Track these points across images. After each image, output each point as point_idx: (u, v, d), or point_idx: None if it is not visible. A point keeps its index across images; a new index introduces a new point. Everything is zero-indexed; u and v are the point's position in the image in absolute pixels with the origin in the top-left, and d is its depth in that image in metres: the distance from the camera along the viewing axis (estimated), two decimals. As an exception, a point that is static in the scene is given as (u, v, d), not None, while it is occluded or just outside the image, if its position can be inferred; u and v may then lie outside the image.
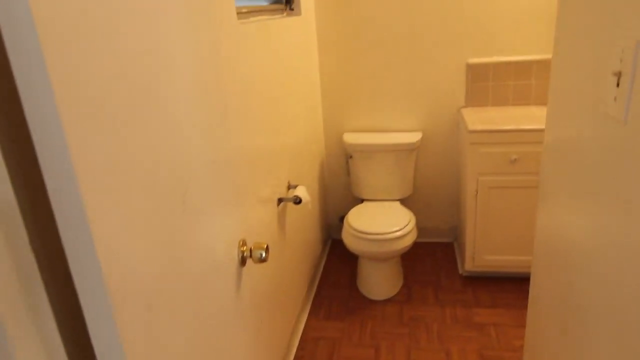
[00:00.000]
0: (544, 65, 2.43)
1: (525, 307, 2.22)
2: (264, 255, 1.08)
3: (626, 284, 0.72)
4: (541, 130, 2.12)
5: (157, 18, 0.80)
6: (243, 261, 1.11)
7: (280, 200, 1.86)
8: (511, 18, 2.40)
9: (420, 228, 2.89)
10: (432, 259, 2.72)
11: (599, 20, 0.81)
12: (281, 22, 1.94)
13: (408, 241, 2.26)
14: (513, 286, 2.39)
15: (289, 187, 2.01)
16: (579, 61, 0.91)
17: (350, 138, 2.63)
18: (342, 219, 2.96)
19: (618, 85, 0.71)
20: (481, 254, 2.38)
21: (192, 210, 0.87)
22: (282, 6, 2.17)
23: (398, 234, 2.22)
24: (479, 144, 2.20)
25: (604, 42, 0.78)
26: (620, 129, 0.72)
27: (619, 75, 0.71)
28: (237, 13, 1.39)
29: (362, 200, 2.72)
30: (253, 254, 1.09)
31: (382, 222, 2.32)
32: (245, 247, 1.11)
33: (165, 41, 0.83)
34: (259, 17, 1.82)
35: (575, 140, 0.93)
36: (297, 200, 1.87)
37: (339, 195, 2.96)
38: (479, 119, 2.33)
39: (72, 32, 0.53)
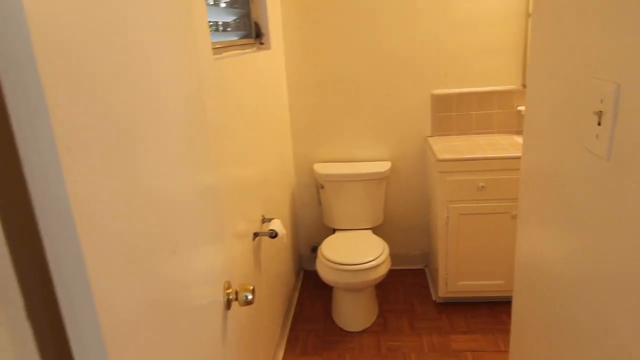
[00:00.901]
0: (504, 95, 2.55)
1: (500, 331, 2.26)
2: (250, 297, 1.04)
3: (609, 310, 0.75)
4: (506, 158, 2.22)
5: (150, 63, 0.78)
6: (228, 304, 1.07)
7: (255, 235, 1.82)
8: (473, 51, 2.51)
9: (392, 255, 2.90)
10: (404, 287, 2.73)
11: (574, 55, 0.85)
12: (253, 57, 1.95)
13: (383, 270, 2.27)
14: (487, 310, 2.42)
15: (264, 221, 1.98)
16: (555, 94, 0.95)
17: (321, 168, 2.64)
18: (314, 249, 2.95)
19: (599, 124, 0.75)
20: (454, 280, 2.41)
21: (181, 258, 0.84)
22: (252, 40, 2.18)
23: (373, 263, 2.22)
24: (448, 173, 2.26)
25: (580, 78, 0.83)
26: (603, 164, 0.76)
27: (599, 114, 0.75)
28: (212, 48, 1.38)
29: (334, 230, 2.71)
30: (239, 296, 1.06)
31: (356, 252, 2.31)
32: (230, 290, 1.08)
33: (157, 86, 0.82)
34: (232, 52, 1.82)
35: (554, 170, 0.97)
36: (273, 234, 1.85)
37: (310, 225, 2.94)
38: (445, 147, 2.40)
39: (69, 78, 0.51)
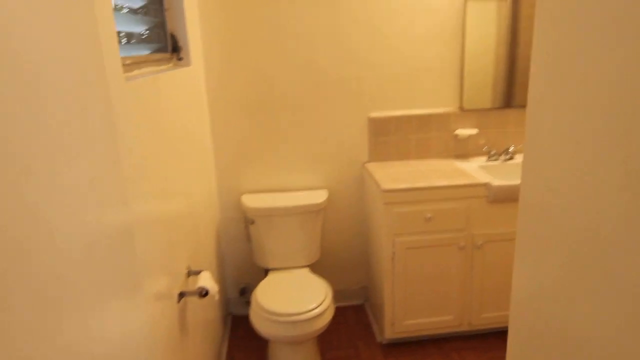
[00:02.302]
0: (442, 118, 2.44)
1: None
2: None
3: None
4: (454, 187, 2.09)
5: (38, 81, 0.45)
6: None
7: (181, 295, 1.47)
8: (410, 73, 2.38)
9: (330, 292, 2.66)
10: (346, 327, 2.49)
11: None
12: (171, 75, 1.61)
13: (327, 318, 2.00)
14: (435, 349, 2.26)
15: (190, 274, 1.63)
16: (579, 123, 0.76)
17: (250, 201, 2.33)
18: (242, 291, 2.61)
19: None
20: (401, 319, 2.22)
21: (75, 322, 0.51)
22: (168, 55, 1.83)
23: (316, 311, 1.95)
24: (394, 204, 2.07)
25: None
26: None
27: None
28: (122, 65, 1.04)
29: (266, 270, 2.40)
30: None
31: (296, 299, 2.03)
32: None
33: (47, 108, 0.49)
34: (146, 70, 1.47)
35: (587, 218, 0.77)
36: (203, 293, 1.50)
37: (238, 264, 2.60)
38: (387, 175, 2.22)
39: None
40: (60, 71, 0.64)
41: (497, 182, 2.06)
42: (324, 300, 2.01)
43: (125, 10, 1.58)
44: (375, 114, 2.41)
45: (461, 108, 2.44)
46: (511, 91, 2.44)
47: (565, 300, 0.81)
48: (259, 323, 1.98)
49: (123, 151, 0.93)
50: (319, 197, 2.36)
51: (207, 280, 1.55)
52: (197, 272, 1.63)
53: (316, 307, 1.96)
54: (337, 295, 2.68)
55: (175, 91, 1.66)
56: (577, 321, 0.78)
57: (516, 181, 2.07)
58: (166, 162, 1.42)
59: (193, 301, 1.66)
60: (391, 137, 2.45)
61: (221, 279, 2.47)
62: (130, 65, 1.31)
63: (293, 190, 2.48)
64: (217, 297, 1.60)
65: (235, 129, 2.37)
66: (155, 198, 1.24)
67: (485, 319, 2.26)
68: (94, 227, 0.73)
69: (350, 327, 2.48)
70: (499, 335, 2.33)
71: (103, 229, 0.77)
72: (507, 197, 2.08)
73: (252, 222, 2.33)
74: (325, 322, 1.98)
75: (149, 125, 1.26)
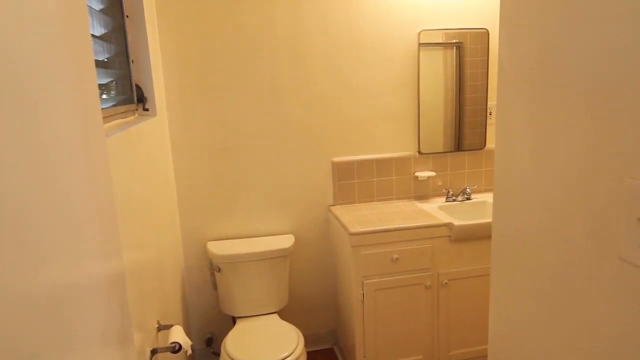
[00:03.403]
0: (402, 162, 2.55)
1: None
2: None
3: None
4: (419, 227, 2.16)
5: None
6: None
7: (153, 353, 1.42)
8: (370, 120, 2.48)
9: (298, 338, 2.63)
10: (316, 373, 2.45)
11: (588, 148, 0.75)
12: (140, 128, 1.61)
13: (300, 365, 1.98)
14: (407, 391, 2.26)
15: (160, 329, 1.58)
16: (555, 183, 0.84)
17: (216, 248, 2.30)
18: (209, 341, 2.53)
19: (648, 233, 0.64)
20: (372, 361, 2.22)
21: None
22: (133, 106, 1.83)
23: (290, 358, 1.92)
24: (361, 246, 2.11)
25: (601, 177, 0.72)
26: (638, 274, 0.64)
27: (647, 222, 0.63)
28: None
29: (233, 318, 2.35)
30: None
31: (268, 348, 1.99)
32: None
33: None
34: (114, 123, 1.47)
35: (556, 264, 0.84)
36: (177, 348, 1.46)
37: (203, 312, 2.53)
38: (353, 218, 2.27)
39: None
40: (66, 126, 0.65)
41: (458, 222, 2.16)
42: (296, 348, 1.99)
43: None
44: (339, 159, 2.49)
45: (419, 151, 2.56)
46: (461, 135, 2.59)
47: (539, 335, 0.87)
48: (230, 375, 1.93)
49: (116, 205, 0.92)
50: (286, 241, 2.37)
51: (179, 334, 1.51)
52: (168, 327, 1.59)
53: (289, 356, 1.93)
54: (306, 339, 2.64)
55: (144, 142, 1.66)
56: (552, 354, 0.83)
57: (476, 220, 2.18)
58: (137, 213, 1.40)
59: (164, 357, 1.61)
60: (355, 180, 2.52)
61: (187, 329, 2.39)
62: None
63: (259, 236, 2.47)
64: (190, 351, 1.55)
65: (199, 176, 2.37)
66: (127, 250, 1.22)
67: (454, 356, 2.31)
68: (99, 276, 0.72)
69: (320, 373, 2.45)
70: (467, 372, 2.38)
71: (106, 278, 0.76)
72: (468, 235, 2.18)
73: (219, 270, 2.30)
74: (298, 370, 1.95)
75: (122, 179, 1.26)
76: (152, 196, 1.72)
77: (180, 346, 1.46)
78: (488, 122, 2.61)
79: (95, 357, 0.73)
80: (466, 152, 2.62)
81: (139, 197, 1.47)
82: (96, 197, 0.77)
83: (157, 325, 1.57)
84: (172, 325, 1.58)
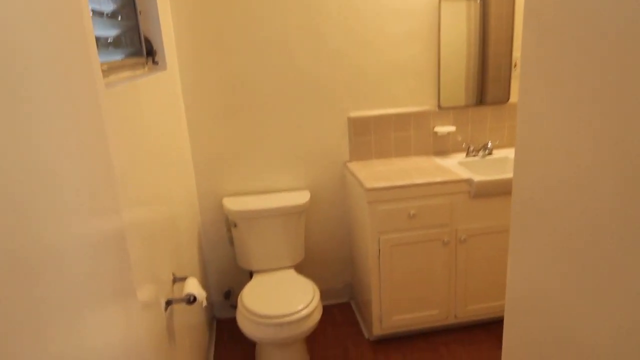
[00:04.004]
0: (421, 117, 2.47)
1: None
2: None
3: None
4: (437, 183, 2.11)
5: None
6: None
7: (168, 303, 1.44)
8: (388, 73, 2.39)
9: (315, 292, 2.66)
10: (333, 326, 2.49)
11: None
12: (148, 81, 1.57)
13: (316, 318, 2.00)
14: (423, 343, 2.28)
15: (175, 281, 1.60)
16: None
17: (232, 204, 2.30)
18: (227, 294, 2.58)
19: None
20: (388, 315, 2.23)
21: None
22: (142, 60, 1.79)
23: (305, 312, 1.94)
24: (378, 202, 2.08)
25: None
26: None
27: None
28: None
29: (250, 273, 2.38)
30: None
31: (284, 301, 2.02)
32: None
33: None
34: (121, 75, 1.44)
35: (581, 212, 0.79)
36: (191, 300, 1.48)
37: (220, 268, 2.57)
38: (370, 174, 2.23)
39: None
40: (48, 77, 0.62)
41: (478, 177, 2.10)
42: (311, 301, 2.00)
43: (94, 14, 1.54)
44: (355, 114, 2.42)
45: (439, 106, 2.47)
46: (484, 89, 2.48)
47: (561, 297, 0.83)
48: (246, 326, 1.97)
49: (114, 159, 0.91)
50: (302, 197, 2.36)
51: (194, 286, 1.53)
52: (183, 279, 1.61)
53: (304, 308, 1.95)
54: (323, 294, 2.68)
55: (154, 96, 1.63)
56: (573, 318, 0.79)
57: (497, 176, 2.11)
58: (147, 168, 1.39)
59: (180, 308, 1.64)
60: (371, 136, 2.46)
61: (204, 283, 2.44)
62: (106, 71, 1.28)
63: (275, 192, 2.46)
64: (204, 303, 1.58)
65: (213, 132, 2.35)
66: (138, 204, 1.22)
67: (470, 311, 2.30)
68: (88, 233, 0.70)
69: (337, 326, 2.49)
70: (484, 327, 2.38)
71: (97, 235, 0.75)
72: (488, 191, 2.12)
73: (235, 225, 2.31)
74: (314, 322, 1.98)
75: (129, 132, 1.24)
76: (164, 150, 1.71)
77: (195, 297, 1.48)
78: (512, 74, 2.48)
79: (96, 311, 0.73)
80: (489, 106, 2.51)
81: (149, 151, 1.45)
82: (86, 152, 0.75)
83: (172, 277, 1.60)
84: (186, 278, 1.60)
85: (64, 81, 0.68)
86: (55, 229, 0.59)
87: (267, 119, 2.36)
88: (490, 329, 2.36)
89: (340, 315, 2.59)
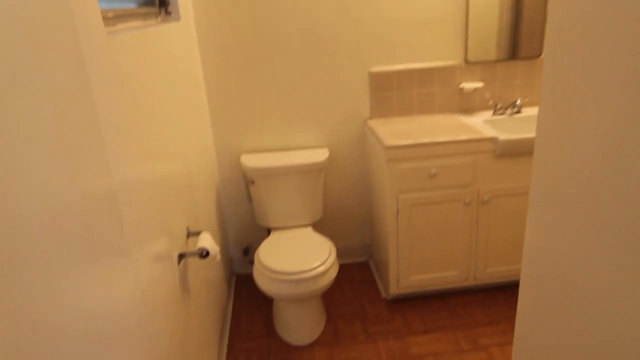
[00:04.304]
0: (446, 72, 2.35)
1: (460, 327, 2.10)
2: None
3: None
4: (459, 142, 2.03)
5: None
6: None
7: (181, 257, 1.45)
8: (411, 25, 2.26)
9: (334, 251, 2.66)
10: (350, 284, 2.50)
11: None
12: (159, 30, 1.53)
13: (332, 275, 2.00)
14: (441, 304, 2.26)
15: (189, 235, 1.61)
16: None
17: (249, 161, 2.28)
18: (246, 250, 2.61)
19: None
20: (406, 275, 2.21)
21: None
22: (155, 9, 1.74)
23: (321, 269, 1.94)
24: (397, 160, 2.02)
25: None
26: None
27: None
28: (103, 19, 0.97)
29: (268, 230, 2.38)
30: None
31: (300, 257, 2.01)
32: None
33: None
34: (130, 24, 1.39)
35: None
36: (204, 254, 1.48)
37: (239, 224, 2.58)
38: (390, 132, 2.15)
39: None
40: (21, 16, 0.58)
41: (504, 136, 2.00)
42: (327, 258, 2.00)
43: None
44: (377, 69, 2.32)
45: (466, 60, 2.34)
46: (517, 42, 2.33)
47: (581, 257, 0.77)
48: (262, 282, 1.98)
49: (103, 111, 0.87)
50: (320, 155, 2.31)
51: (207, 240, 1.53)
52: (197, 233, 1.61)
53: (320, 265, 1.95)
54: (341, 252, 2.68)
55: (165, 47, 1.58)
56: (592, 279, 0.74)
57: (523, 134, 2.00)
58: (157, 122, 1.36)
59: (194, 262, 1.65)
60: (393, 92, 2.37)
61: (223, 239, 2.47)
62: (113, 19, 1.24)
63: (293, 149, 2.42)
64: (218, 257, 1.58)
65: (230, 87, 2.30)
66: (145, 160, 1.20)
67: (490, 274, 2.26)
68: (69, 193, 0.68)
69: (354, 284, 2.49)
70: (503, 290, 2.33)
71: (80, 194, 0.73)
72: (514, 151, 2.02)
73: (252, 182, 2.30)
74: (329, 279, 1.98)
75: (136, 83, 1.20)
76: (178, 105, 1.68)
77: (208, 252, 1.48)
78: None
79: (90, 267, 0.72)
80: (520, 60, 2.37)
81: (160, 105, 1.42)
82: (67, 107, 0.71)
83: (187, 232, 1.60)
84: (200, 232, 1.61)
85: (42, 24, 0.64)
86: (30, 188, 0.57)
87: (286, 74, 2.29)
88: (509, 292, 2.32)
89: (358, 273, 2.59)
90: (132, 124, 1.10)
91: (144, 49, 1.32)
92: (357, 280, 2.53)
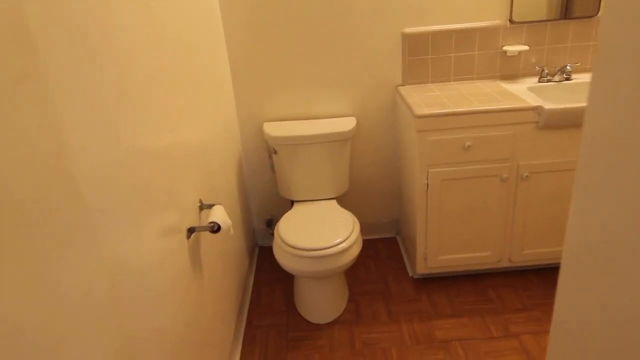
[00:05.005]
0: (487, 33, 2.13)
1: (489, 312, 1.96)
2: None
3: None
4: (497, 111, 1.84)
5: None
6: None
7: (191, 231, 1.37)
8: (451, -22, 2.05)
9: (361, 225, 2.54)
10: (376, 261, 2.39)
11: None
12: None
13: (354, 252, 1.89)
14: (470, 286, 2.13)
15: (202, 208, 1.52)
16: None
17: (272, 129, 2.17)
18: (269, 222, 2.53)
19: None
20: (434, 254, 2.08)
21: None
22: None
23: (343, 245, 1.83)
24: (428, 131, 1.86)
25: None
26: None
27: None
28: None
29: (291, 202, 2.29)
30: None
31: (321, 233, 1.91)
32: None
33: None
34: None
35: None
36: (215, 228, 1.39)
37: (262, 195, 2.50)
38: (422, 100, 1.98)
39: None
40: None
41: (549, 105, 1.80)
42: (350, 234, 1.89)
43: None
44: (410, 30, 2.13)
45: (510, 20, 2.11)
46: (570, 0, 2.07)
47: (634, 248, 0.62)
48: (282, 257, 1.90)
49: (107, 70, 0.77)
50: (347, 124, 2.17)
51: (219, 214, 1.44)
52: (210, 206, 1.53)
53: (342, 242, 1.84)
54: (368, 228, 2.57)
55: (177, 4, 1.45)
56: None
57: (572, 104, 1.79)
58: (162, 86, 1.26)
59: (207, 236, 1.57)
60: (428, 55, 2.17)
61: (246, 211, 2.39)
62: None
63: (318, 118, 2.29)
64: (231, 231, 1.49)
65: (253, 51, 2.16)
66: (145, 126, 1.10)
67: (526, 256, 2.09)
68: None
69: (380, 261, 2.38)
70: (539, 273, 2.17)
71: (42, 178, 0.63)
72: (561, 122, 1.82)
73: (275, 152, 2.19)
74: (352, 257, 1.87)
75: (146, 47, 1.09)
76: (192, 69, 1.56)
77: (219, 226, 1.39)
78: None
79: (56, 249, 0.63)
80: (572, 20, 2.11)
81: (169, 68, 1.31)
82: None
83: (200, 204, 1.52)
84: (213, 205, 1.52)
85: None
86: None
87: (311, 36, 2.14)
88: (544, 275, 2.15)
89: (385, 250, 2.47)
90: (129, 86, 1.00)
91: (153, 5, 1.20)
92: (383, 257, 2.42)
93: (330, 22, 2.11)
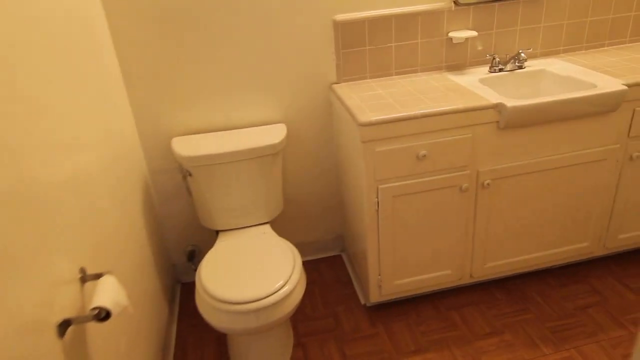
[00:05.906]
0: (432, 17, 1.83)
1: (456, 339, 1.70)
2: None
3: None
4: (456, 112, 1.54)
5: None
6: None
7: (66, 325, 0.94)
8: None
9: (300, 245, 2.20)
10: (321, 287, 2.06)
11: None
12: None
13: (298, 296, 1.54)
14: (431, 310, 1.87)
15: (85, 280, 1.09)
16: None
17: (182, 147, 1.74)
18: (191, 255, 2.11)
19: None
20: (389, 280, 1.79)
21: None
22: None
23: (285, 290, 1.47)
24: (376, 141, 1.53)
25: None
26: None
27: None
28: None
29: (217, 232, 1.88)
30: None
31: (255, 276, 1.53)
32: None
33: None
34: None
35: None
36: (102, 315, 0.97)
37: (181, 223, 2.06)
38: (364, 101, 1.65)
39: None
40: None
41: (511, 102, 1.54)
42: (292, 272, 1.53)
43: None
44: (343, 16, 1.78)
45: (455, 2, 1.83)
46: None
47: None
48: (209, 314, 1.50)
49: None
50: (276, 134, 1.79)
51: (106, 292, 1.01)
52: (99, 276, 1.09)
53: (284, 285, 1.48)
54: (308, 247, 2.23)
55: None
56: None
57: (538, 99, 1.55)
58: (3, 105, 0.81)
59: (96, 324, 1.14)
60: (365, 46, 1.84)
61: (160, 245, 1.95)
62: None
63: (241, 127, 1.89)
64: (130, 311, 1.08)
65: (151, 51, 1.70)
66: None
67: (488, 270, 1.86)
68: None
69: (326, 287, 2.06)
70: (500, 284, 1.96)
71: None
72: (525, 120, 1.57)
73: (190, 175, 1.76)
74: (296, 301, 1.52)
75: None
76: (61, 81, 1.10)
77: (108, 312, 0.97)
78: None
79: None
80: (521, 1, 1.88)
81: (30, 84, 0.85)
82: None
83: (81, 275, 1.08)
84: (102, 274, 1.09)
85: None
86: None
87: (224, 27, 1.72)
88: (507, 287, 1.95)
89: (330, 272, 2.15)
90: None
91: None
92: (329, 281, 2.09)
93: (248, 12, 1.70)
